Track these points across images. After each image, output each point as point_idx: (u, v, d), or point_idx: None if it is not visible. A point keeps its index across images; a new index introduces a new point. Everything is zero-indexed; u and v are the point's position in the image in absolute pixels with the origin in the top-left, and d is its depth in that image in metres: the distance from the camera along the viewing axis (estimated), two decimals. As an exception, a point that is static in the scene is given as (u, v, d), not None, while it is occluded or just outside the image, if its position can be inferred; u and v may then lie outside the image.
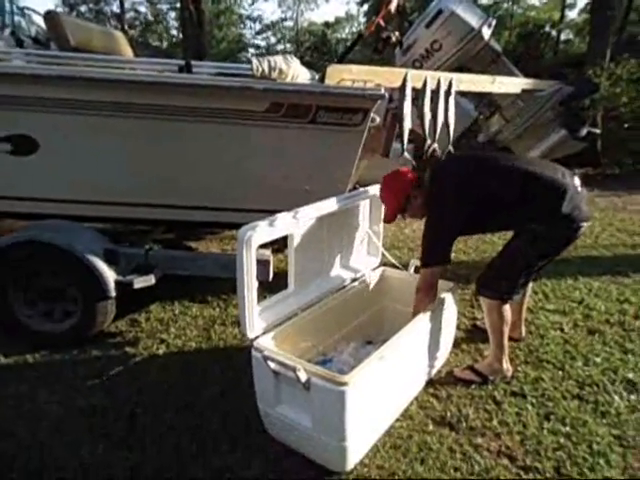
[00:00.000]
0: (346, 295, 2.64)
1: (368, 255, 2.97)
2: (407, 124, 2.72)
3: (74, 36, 3.32)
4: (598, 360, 2.66)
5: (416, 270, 2.68)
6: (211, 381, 2.53)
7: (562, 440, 2.07)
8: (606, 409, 2.26)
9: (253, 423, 2.15)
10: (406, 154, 2.75)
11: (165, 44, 23.08)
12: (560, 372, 2.56)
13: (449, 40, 3.49)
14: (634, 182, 7.87)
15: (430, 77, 2.79)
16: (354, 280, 2.74)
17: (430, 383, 2.47)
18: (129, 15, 22.11)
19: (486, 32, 3.52)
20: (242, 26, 25.66)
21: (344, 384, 1.72)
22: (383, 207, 2.60)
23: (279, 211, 2.15)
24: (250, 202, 2.95)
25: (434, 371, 2.52)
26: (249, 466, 1.95)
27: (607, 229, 5.25)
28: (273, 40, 25.86)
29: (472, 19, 3.49)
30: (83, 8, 21.57)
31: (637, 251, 4.58)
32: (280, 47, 24.69)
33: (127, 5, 21.32)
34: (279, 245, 2.60)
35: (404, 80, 2.69)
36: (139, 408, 2.32)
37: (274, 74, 2.90)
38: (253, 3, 26.86)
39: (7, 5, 3.80)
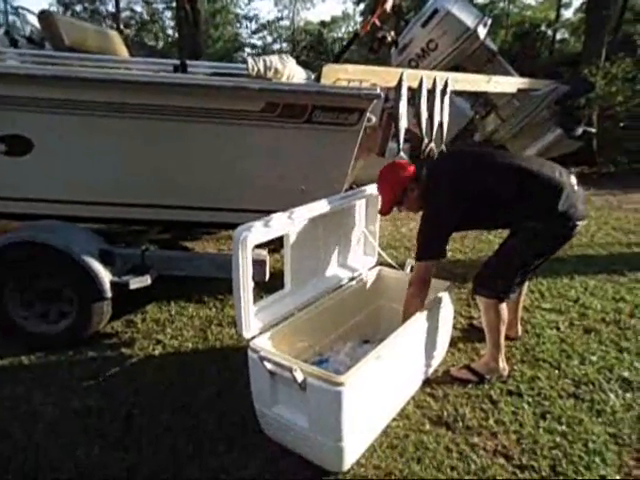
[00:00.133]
0: (342, 295, 2.64)
1: (364, 255, 2.97)
2: (403, 124, 2.71)
3: (69, 36, 3.31)
4: (594, 359, 2.67)
5: (412, 270, 2.68)
6: (207, 381, 2.52)
7: (558, 439, 2.08)
8: (602, 407, 2.27)
9: (249, 423, 2.14)
10: (402, 154, 2.75)
11: (161, 44, 23.03)
12: (556, 371, 2.57)
13: (445, 39, 3.50)
14: (629, 181, 7.91)
15: (426, 77, 2.80)
16: (350, 280, 2.74)
17: (427, 382, 2.47)
18: (125, 14, 22.02)
19: (482, 31, 3.53)
20: (238, 25, 25.67)
21: (340, 384, 1.72)
22: (379, 199, 2.59)
23: (275, 211, 2.14)
24: (246, 202, 2.94)
25: (431, 370, 2.52)
26: (245, 466, 1.95)
27: (603, 228, 5.27)
28: (269, 39, 25.87)
29: (468, 18, 3.50)
30: (78, 7, 21.48)
31: (632, 250, 4.60)
32: (276, 46, 24.70)
33: (123, 4, 21.23)
34: (275, 245, 2.60)
35: (400, 80, 2.69)
36: (135, 409, 2.32)
37: (270, 74, 2.90)
38: (249, 2, 26.98)
39: (1, 4, 3.78)
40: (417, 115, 2.78)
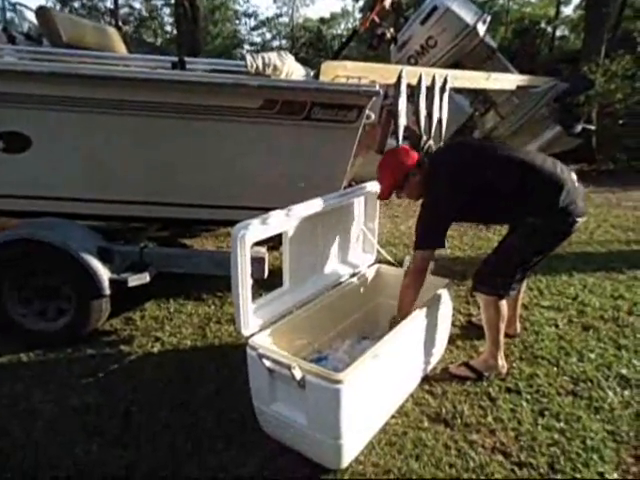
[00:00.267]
0: (341, 292, 2.63)
1: (363, 252, 2.96)
2: (402, 121, 2.71)
3: (66, 32, 3.30)
4: (592, 356, 2.68)
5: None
6: (206, 379, 2.52)
7: (556, 436, 2.08)
8: (600, 405, 2.27)
9: (248, 421, 2.14)
10: (401, 151, 2.74)
11: (160, 40, 22.96)
12: (555, 368, 2.57)
13: (444, 36, 3.50)
14: (629, 178, 7.92)
15: (425, 74, 2.79)
16: (349, 277, 2.74)
17: (425, 380, 2.47)
18: (123, 11, 21.96)
19: (481, 28, 3.53)
20: (237, 22, 25.66)
21: (339, 382, 1.72)
22: (379, 183, 2.56)
23: (274, 208, 2.14)
24: (245, 199, 2.94)
25: (429, 367, 2.52)
26: (244, 464, 1.95)
27: (602, 225, 5.27)
28: (268, 36, 25.82)
29: (467, 15, 3.49)
30: (76, 4, 21.39)
31: (631, 247, 4.60)
32: (275, 43, 24.62)
33: (121, 1, 21.17)
34: (274, 243, 2.59)
35: (399, 77, 2.69)
36: (134, 406, 2.32)
37: (268, 71, 2.89)
38: (248, -1, 26.84)
39: (-1, 1, 3.77)
40: (416, 112, 2.78)
